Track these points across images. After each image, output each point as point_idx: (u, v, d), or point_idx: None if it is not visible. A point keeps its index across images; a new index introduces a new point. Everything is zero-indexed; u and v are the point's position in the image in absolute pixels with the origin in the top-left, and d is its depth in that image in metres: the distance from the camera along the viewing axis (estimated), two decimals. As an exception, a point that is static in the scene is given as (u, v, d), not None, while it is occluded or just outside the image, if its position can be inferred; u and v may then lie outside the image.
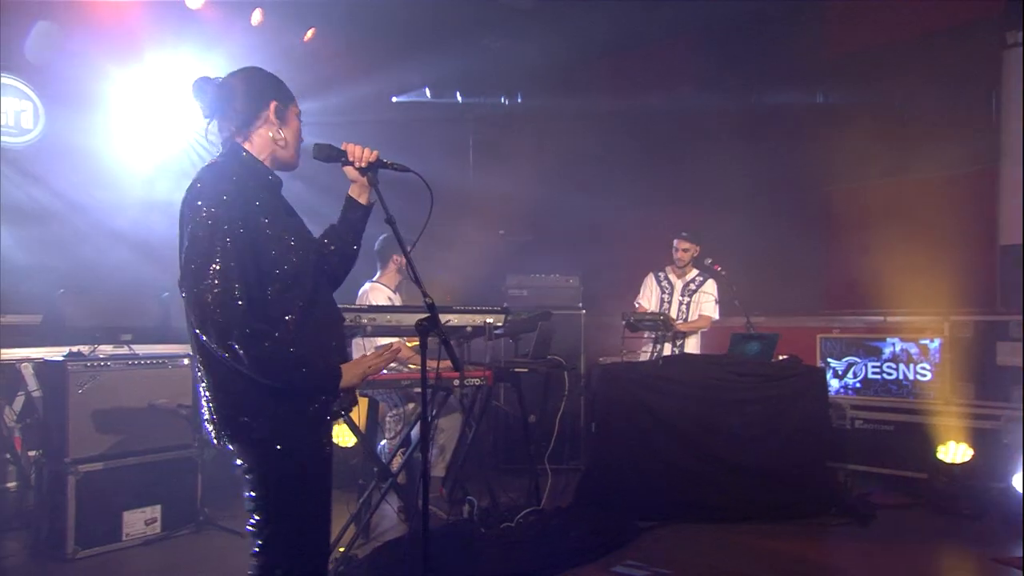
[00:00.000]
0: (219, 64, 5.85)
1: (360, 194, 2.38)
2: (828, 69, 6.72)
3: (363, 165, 2.32)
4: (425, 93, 8.06)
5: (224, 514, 4.68)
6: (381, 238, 5.17)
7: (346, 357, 2.29)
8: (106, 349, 4.85)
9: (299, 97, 2.28)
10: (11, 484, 4.86)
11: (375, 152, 2.32)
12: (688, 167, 7.47)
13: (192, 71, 5.75)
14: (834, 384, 6.01)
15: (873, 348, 5.91)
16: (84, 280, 5.38)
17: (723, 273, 5.81)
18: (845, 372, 6.00)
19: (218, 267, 1.93)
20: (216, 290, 1.92)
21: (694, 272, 6.08)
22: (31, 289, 5.29)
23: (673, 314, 5.82)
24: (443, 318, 3.90)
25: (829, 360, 6.07)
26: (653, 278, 6.11)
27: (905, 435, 5.45)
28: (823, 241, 6.48)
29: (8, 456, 4.81)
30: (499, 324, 4.03)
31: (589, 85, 7.51)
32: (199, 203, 1.99)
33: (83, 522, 4.11)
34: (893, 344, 5.81)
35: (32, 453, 4.75)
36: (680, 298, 5.99)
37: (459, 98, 8.19)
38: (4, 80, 5.68)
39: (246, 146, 2.19)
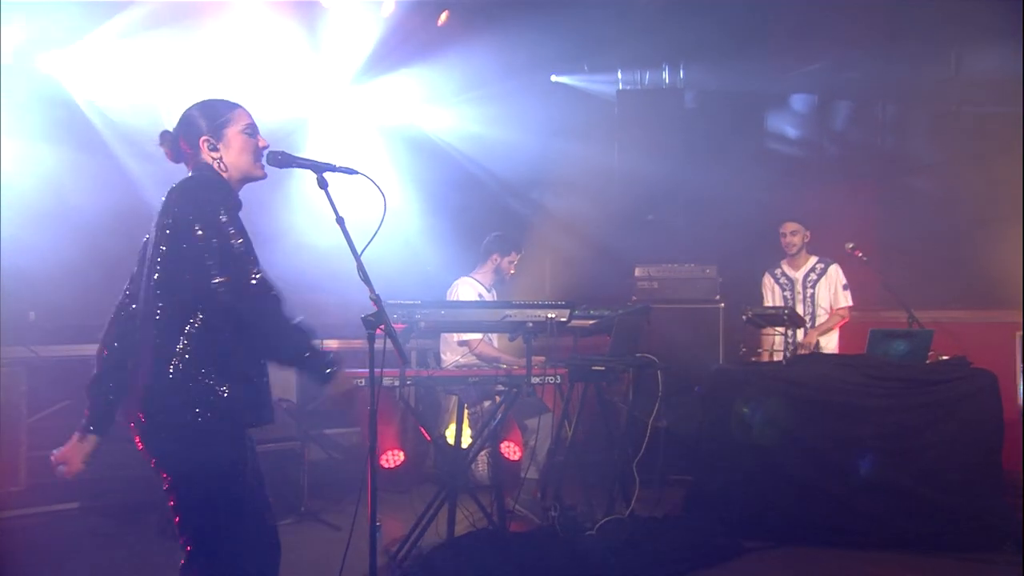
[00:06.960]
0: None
1: None
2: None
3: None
4: (583, 68, 7.84)
5: (326, 507, 4.79)
6: (490, 235, 5.13)
7: None
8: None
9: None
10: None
11: None
12: (879, 138, 6.60)
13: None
14: (1038, 392, 4.92)
15: (1090, 347, 4.74)
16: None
17: (865, 259, 4.99)
18: (1053, 377, 4.88)
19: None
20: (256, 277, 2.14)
21: (812, 260, 5.37)
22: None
23: (799, 311, 5.10)
24: (499, 313, 3.80)
25: (1030, 362, 4.98)
26: (770, 277, 5.53)
27: None
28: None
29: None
30: (563, 319, 3.76)
31: (746, 58, 6.81)
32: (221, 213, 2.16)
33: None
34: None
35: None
36: (803, 291, 5.30)
37: (619, 75, 7.86)
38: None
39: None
